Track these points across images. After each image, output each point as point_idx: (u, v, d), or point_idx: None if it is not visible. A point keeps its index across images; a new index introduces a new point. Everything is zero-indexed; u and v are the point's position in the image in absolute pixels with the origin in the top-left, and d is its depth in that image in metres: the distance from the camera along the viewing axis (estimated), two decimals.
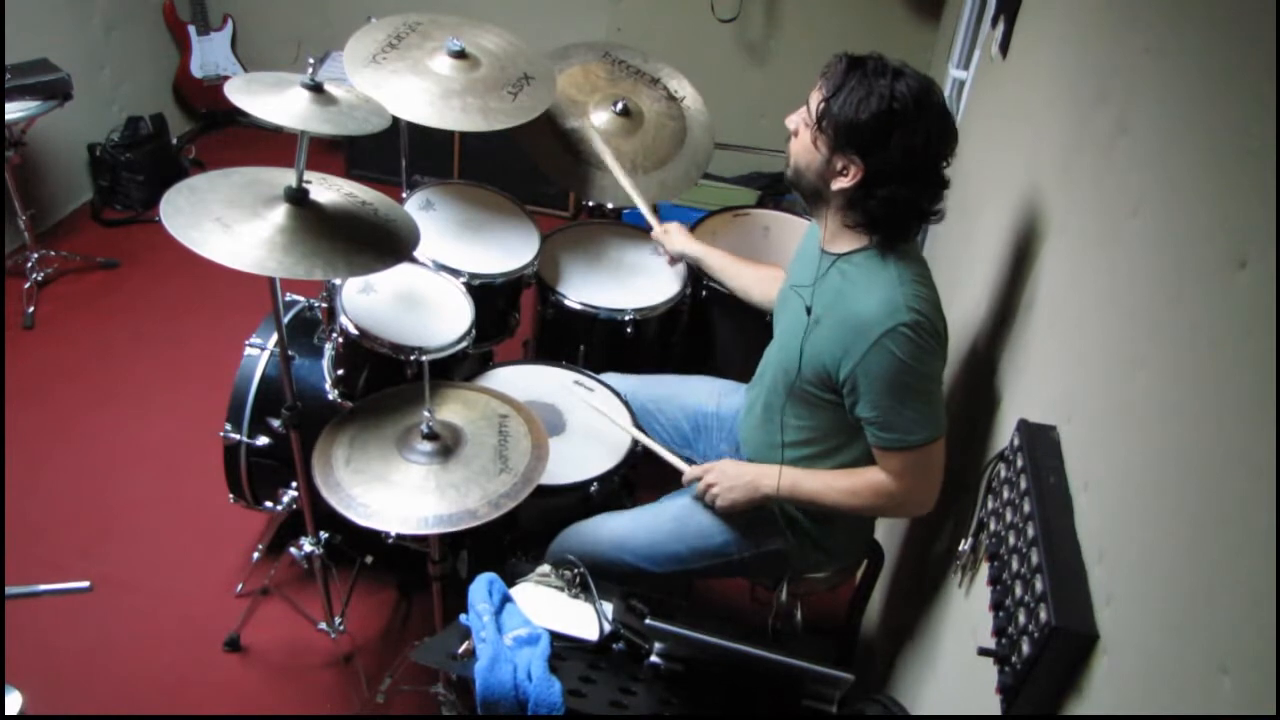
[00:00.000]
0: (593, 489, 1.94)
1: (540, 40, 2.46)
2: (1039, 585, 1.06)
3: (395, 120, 1.88)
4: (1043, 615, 1.03)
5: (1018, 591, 1.13)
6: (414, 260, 2.20)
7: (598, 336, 2.37)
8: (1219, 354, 0.89)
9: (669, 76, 2.63)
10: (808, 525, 1.81)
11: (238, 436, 2.21)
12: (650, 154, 2.48)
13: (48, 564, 2.40)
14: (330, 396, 2.10)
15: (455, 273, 2.23)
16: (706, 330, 2.51)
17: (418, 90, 2.07)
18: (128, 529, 2.53)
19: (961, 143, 1.57)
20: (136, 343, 3.15)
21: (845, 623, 2.16)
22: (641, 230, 2.64)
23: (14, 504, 2.52)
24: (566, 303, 2.33)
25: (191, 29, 4.03)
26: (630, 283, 2.42)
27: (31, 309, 3.17)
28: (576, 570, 1.66)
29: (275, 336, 2.16)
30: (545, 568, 1.70)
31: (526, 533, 2.01)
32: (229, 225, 1.51)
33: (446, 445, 1.75)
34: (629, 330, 2.32)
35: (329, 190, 1.70)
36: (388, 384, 1.99)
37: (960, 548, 1.45)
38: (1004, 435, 1.46)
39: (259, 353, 2.23)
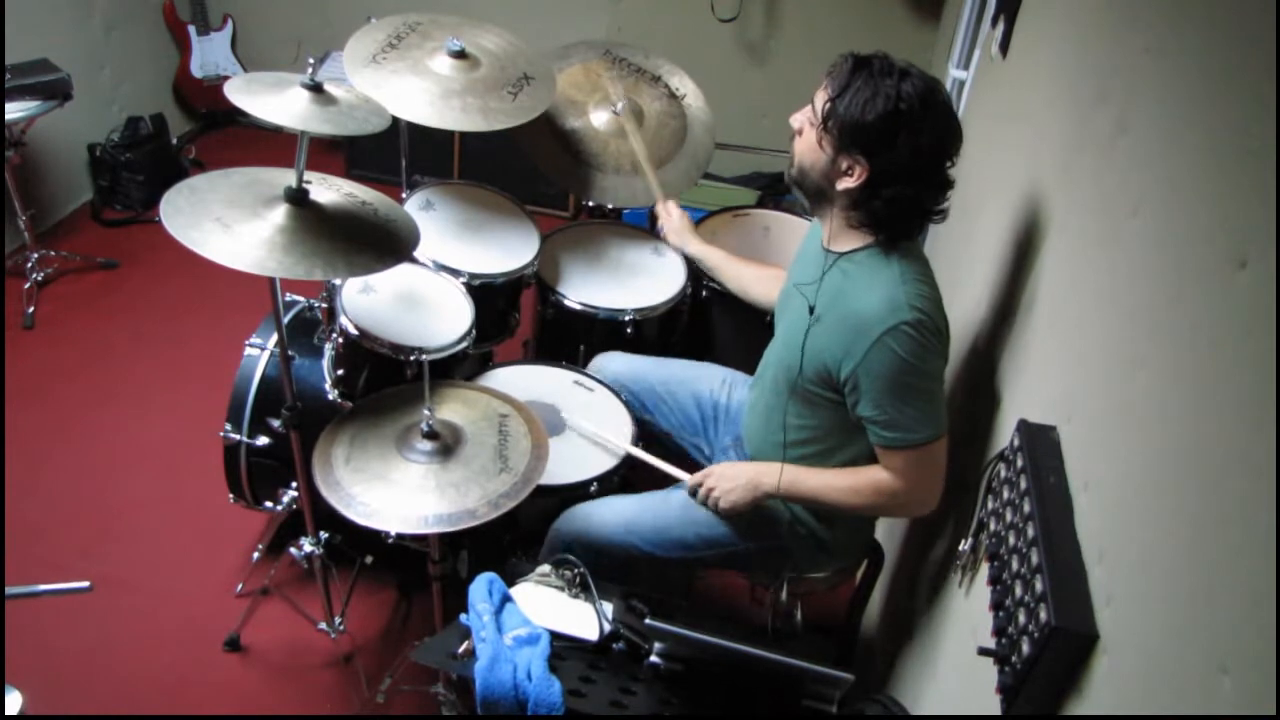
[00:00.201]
0: (593, 489, 1.94)
1: (540, 40, 2.46)
2: (1039, 585, 1.06)
3: (395, 120, 1.88)
4: (1043, 615, 1.03)
5: (1018, 591, 1.13)
6: (414, 260, 2.20)
7: (598, 336, 2.37)
8: (1219, 354, 0.89)
9: (670, 73, 2.62)
10: (811, 524, 1.81)
11: (238, 436, 2.21)
12: (651, 154, 2.47)
13: (48, 564, 2.40)
14: (330, 396, 2.10)
15: (455, 273, 2.23)
16: (707, 330, 2.51)
17: (418, 90, 2.07)
18: (128, 529, 2.53)
19: (961, 154, 1.57)
20: (136, 343, 3.15)
21: (845, 623, 2.16)
22: (642, 230, 2.65)
23: (14, 504, 2.52)
24: (566, 303, 2.33)
25: (191, 29, 4.03)
26: (630, 283, 2.42)
27: (31, 309, 3.17)
28: (576, 570, 1.66)
29: (275, 336, 2.16)
30: (545, 568, 1.70)
31: (526, 533, 2.01)
32: (229, 225, 1.51)
33: (446, 445, 1.75)
34: (629, 330, 2.32)
35: (329, 190, 1.70)
36: (388, 384, 1.99)
37: (960, 548, 1.45)
38: (1004, 435, 1.46)
39: (259, 353, 2.23)
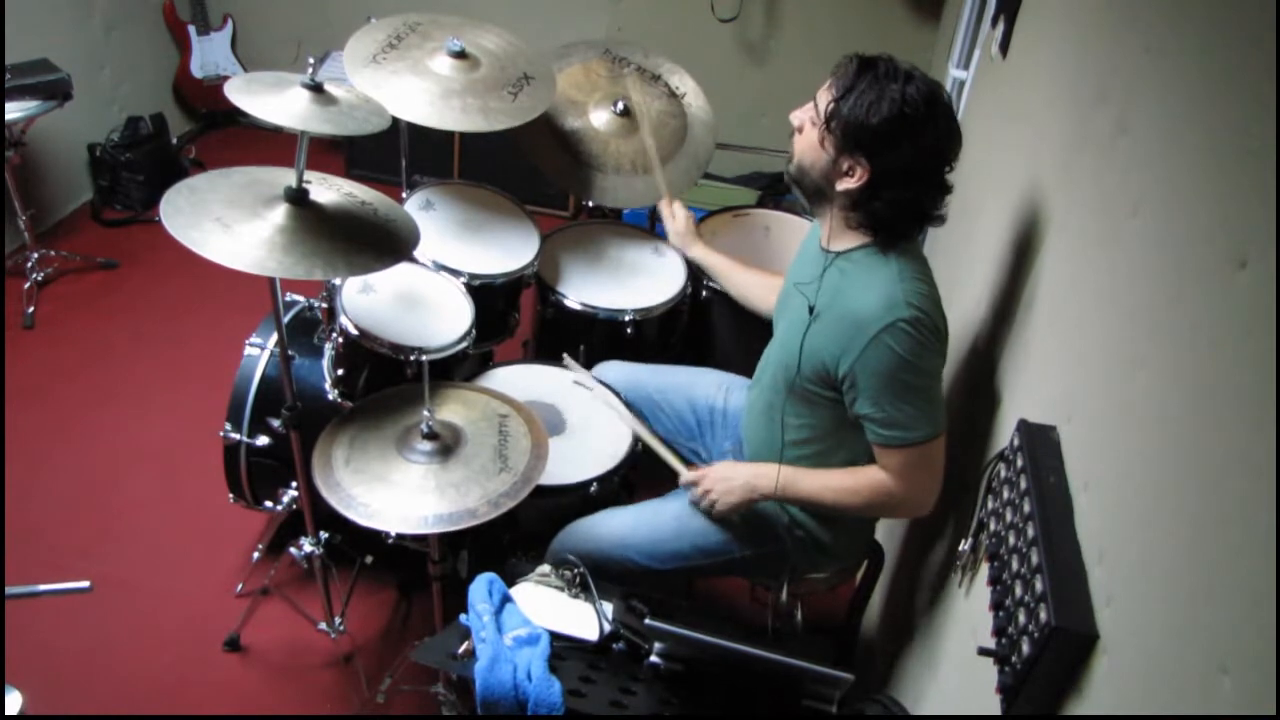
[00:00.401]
0: (593, 489, 1.94)
1: (540, 40, 2.46)
2: (1039, 585, 1.06)
3: (395, 120, 1.88)
4: (1043, 615, 1.03)
5: (1018, 591, 1.13)
6: (414, 260, 2.20)
7: (598, 336, 2.37)
8: (1219, 354, 0.89)
9: (670, 72, 2.62)
10: (810, 525, 1.81)
11: (238, 436, 2.21)
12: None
13: (48, 564, 2.40)
14: (330, 396, 2.10)
15: (455, 273, 2.23)
16: (706, 330, 2.51)
17: (418, 90, 2.07)
18: (128, 529, 2.53)
19: (961, 158, 1.57)
20: (136, 343, 3.15)
21: (845, 623, 2.16)
22: (642, 230, 2.65)
23: (14, 504, 2.52)
24: (566, 303, 2.33)
25: (191, 29, 4.03)
26: (630, 283, 2.42)
27: (31, 309, 3.17)
28: (576, 570, 1.66)
29: (275, 336, 2.16)
30: (545, 568, 1.70)
31: (526, 533, 2.01)
32: (229, 225, 1.51)
33: (446, 445, 1.75)
34: (629, 330, 2.32)
35: (329, 190, 1.70)
36: (388, 384, 1.99)
37: (960, 548, 1.45)
38: (1004, 435, 1.46)
39: (259, 353, 2.23)
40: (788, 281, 1.83)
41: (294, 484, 2.21)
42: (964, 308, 1.95)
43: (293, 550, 2.10)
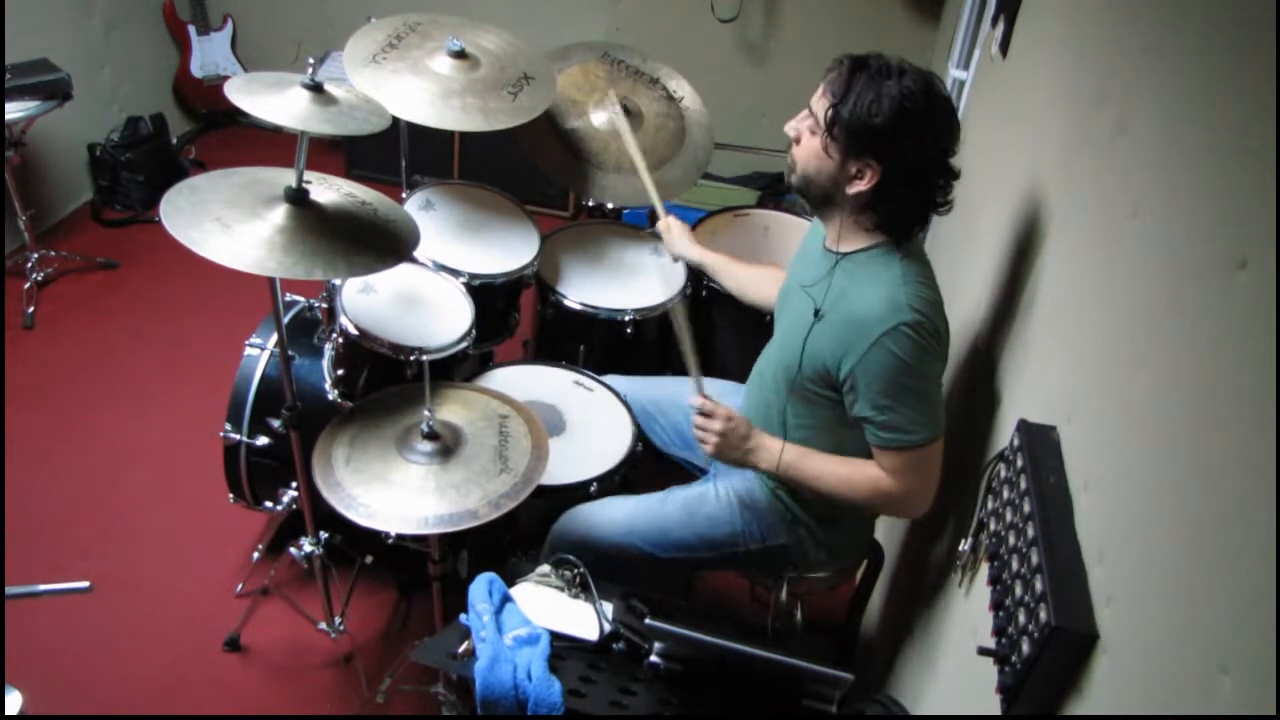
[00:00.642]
0: (593, 489, 1.94)
1: (540, 40, 2.46)
2: (1039, 585, 1.06)
3: (395, 120, 1.88)
4: (1043, 615, 1.03)
5: (1018, 591, 1.13)
6: (414, 260, 2.20)
7: (598, 337, 2.37)
8: (1219, 354, 0.89)
9: (668, 76, 2.63)
10: (812, 524, 1.81)
11: (238, 436, 2.21)
12: (650, 154, 2.47)
13: (48, 564, 2.40)
14: (330, 396, 2.10)
15: (455, 273, 2.23)
16: (706, 330, 2.50)
17: (418, 90, 2.07)
18: (128, 529, 2.53)
19: (961, 143, 1.58)
20: (136, 343, 3.15)
21: (845, 623, 2.16)
22: (642, 230, 2.65)
23: (14, 504, 2.52)
24: (566, 303, 2.33)
25: (191, 29, 4.03)
26: (630, 283, 2.42)
27: (31, 309, 3.17)
28: (576, 570, 1.66)
29: (275, 336, 2.16)
30: (545, 568, 1.70)
31: (526, 533, 2.01)
32: (229, 225, 1.51)
33: (446, 445, 1.75)
34: (629, 330, 2.32)
35: (329, 190, 1.70)
36: (388, 384, 1.99)
37: (960, 548, 1.45)
38: (1004, 435, 1.46)
39: (259, 353, 2.23)
40: (789, 281, 1.83)
41: (294, 484, 2.21)
42: (964, 307, 1.95)
43: (293, 550, 2.10)
